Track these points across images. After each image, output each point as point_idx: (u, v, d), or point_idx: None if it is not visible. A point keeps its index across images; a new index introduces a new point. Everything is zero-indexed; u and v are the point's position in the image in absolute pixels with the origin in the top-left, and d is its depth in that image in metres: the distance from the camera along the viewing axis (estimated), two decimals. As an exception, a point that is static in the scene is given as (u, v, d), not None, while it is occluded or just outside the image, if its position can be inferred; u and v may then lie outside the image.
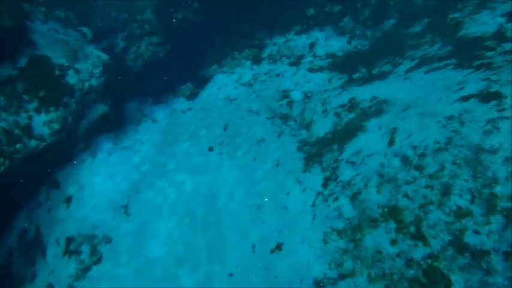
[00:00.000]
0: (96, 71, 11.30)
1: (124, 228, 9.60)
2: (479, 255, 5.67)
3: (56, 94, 10.46)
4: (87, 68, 11.18)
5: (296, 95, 11.08)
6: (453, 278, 5.77)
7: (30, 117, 9.95)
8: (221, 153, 10.31)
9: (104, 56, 11.62)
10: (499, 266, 5.46)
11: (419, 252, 6.26)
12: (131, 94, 13.14)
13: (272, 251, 7.95)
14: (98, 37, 13.01)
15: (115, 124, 11.93)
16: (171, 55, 13.53)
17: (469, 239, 5.84)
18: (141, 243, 9.22)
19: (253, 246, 8.20)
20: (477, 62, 8.36)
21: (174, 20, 13.16)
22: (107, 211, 9.97)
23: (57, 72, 10.68)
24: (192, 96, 13.19)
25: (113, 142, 11.52)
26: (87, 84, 11.03)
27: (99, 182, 10.54)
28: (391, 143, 7.70)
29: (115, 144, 11.46)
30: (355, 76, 11.03)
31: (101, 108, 11.29)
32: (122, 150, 11.32)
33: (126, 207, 9.99)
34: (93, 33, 12.91)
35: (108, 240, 9.54)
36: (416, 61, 10.10)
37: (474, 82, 7.62)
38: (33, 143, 9.75)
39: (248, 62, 13.21)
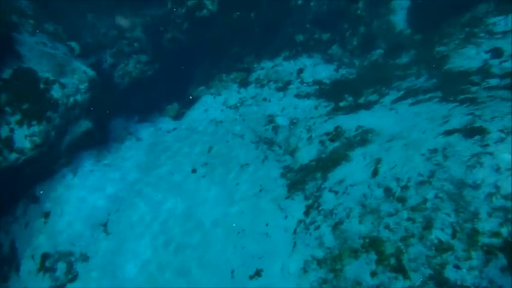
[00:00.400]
0: (82, 87, 11.18)
1: (102, 247, 9.38)
2: None
3: (40, 108, 10.29)
4: (73, 82, 11.05)
5: (282, 120, 11.08)
6: (433, 313, 5.63)
7: (11, 130, 9.76)
8: (204, 176, 10.20)
9: (91, 72, 11.51)
10: None
11: (399, 285, 6.18)
12: (117, 111, 13.01)
13: (251, 277, 7.82)
14: (86, 52, 12.90)
15: (99, 141, 11.77)
16: (159, 74, 13.49)
17: (450, 273, 5.80)
18: (118, 263, 9.00)
19: (232, 272, 8.06)
20: (462, 96, 8.45)
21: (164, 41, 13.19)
22: (86, 228, 9.74)
23: (42, 86, 10.53)
24: (178, 116, 13.11)
25: (96, 159, 11.34)
26: (72, 99, 10.89)
27: (79, 198, 10.32)
28: (374, 173, 7.69)
29: (97, 161, 11.28)
30: (342, 104, 11.08)
31: (85, 124, 11.14)
32: (104, 167, 11.13)
33: (105, 225, 9.78)
34: (82, 48, 12.81)
35: (85, 258, 9.29)
36: (402, 92, 10.19)
37: (458, 116, 7.68)
38: (13, 156, 9.55)
39: (235, 85, 13.21)
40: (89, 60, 12.63)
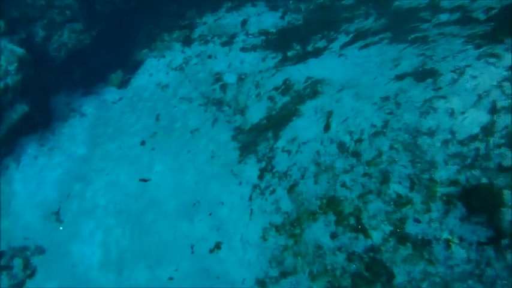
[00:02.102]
0: (12, 68, 10.20)
1: (57, 236, 8.90)
2: (420, 245, 5.48)
3: (-33, 99, 9.42)
4: (0, 65, 10.07)
5: (229, 78, 10.48)
6: (396, 270, 5.55)
7: None
8: (153, 147, 9.65)
9: (19, 50, 10.49)
10: (440, 255, 5.29)
11: (360, 245, 5.99)
12: (58, 87, 12.11)
13: (211, 251, 7.52)
14: (14, 28, 11.71)
15: (40, 123, 10.94)
16: (98, 42, 12.48)
17: (410, 228, 5.63)
18: (76, 251, 8.59)
19: (192, 247, 7.73)
20: (412, 36, 8.00)
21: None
22: (38, 219, 9.21)
23: (-36, 75, 9.59)
24: (122, 84, 12.29)
25: (39, 143, 10.60)
26: (1, 84, 9.95)
27: (26, 188, 9.73)
28: (327, 128, 7.31)
29: (41, 146, 10.54)
30: (290, 54, 10.51)
31: (21, 109, 10.26)
32: (50, 151, 10.44)
33: (57, 213, 9.24)
34: (7, 24, 11.61)
35: (41, 251, 8.84)
36: (351, 35, 9.66)
37: (409, 58, 7.28)
38: None
39: (179, 44, 12.39)
40: (17, 36, 11.49)
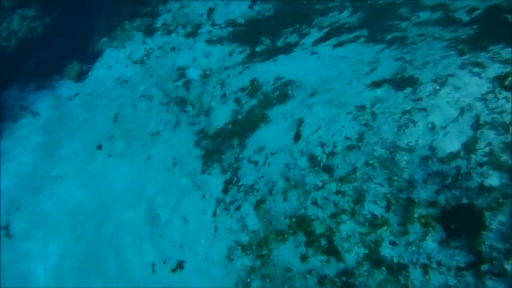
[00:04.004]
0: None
1: (6, 253, 8.18)
2: (397, 269, 5.12)
3: None
4: None
5: (193, 73, 9.77)
6: (369, 296, 5.14)
7: None
8: (110, 153, 8.92)
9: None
10: (417, 280, 4.95)
11: (332, 268, 5.57)
12: (8, 80, 11.19)
13: (173, 270, 6.96)
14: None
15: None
16: (52, 30, 11.54)
17: (386, 251, 5.26)
18: (27, 270, 7.91)
19: (153, 265, 7.15)
20: (390, 36, 7.45)
21: None
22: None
23: None
24: (80, 77, 11.43)
25: (-15, 150, 9.74)
26: None
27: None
28: (297, 137, 6.75)
29: (-13, 153, 9.69)
30: (258, 49, 9.83)
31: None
32: (-3, 158, 9.60)
33: (6, 228, 8.51)
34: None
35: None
36: (324, 30, 9.03)
37: (387, 62, 6.77)
38: None
39: (140, 34, 11.54)
40: (-38, 24, 10.49)
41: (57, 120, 10.22)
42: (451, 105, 5.54)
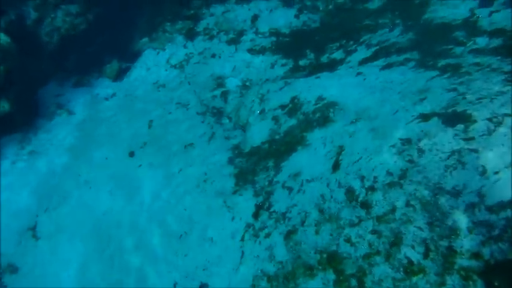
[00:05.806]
0: (-7, 60, 9.36)
1: (32, 255, 8.23)
2: None
3: None
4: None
5: (232, 83, 9.54)
6: None
7: None
8: (142, 161, 8.83)
9: (4, 38, 9.58)
10: None
11: (361, 312, 5.22)
12: (47, 77, 11.30)
13: (196, 293, 6.80)
14: (3, 7, 10.71)
15: (23, 121, 10.18)
16: (95, 27, 11.53)
17: None
18: (51, 272, 7.92)
19: (175, 285, 7.02)
20: (442, 62, 6.98)
21: None
22: (12, 234, 8.51)
23: None
24: (118, 76, 11.43)
25: (19, 145, 9.86)
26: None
27: (1, 198, 9.02)
28: (335, 166, 6.42)
29: (21, 149, 9.80)
30: (301, 63, 9.50)
31: (1, 107, 9.43)
32: (30, 155, 9.68)
33: (34, 229, 8.55)
34: (-4, 3, 10.66)
35: (14, 269, 8.18)
36: (372, 49, 8.62)
37: (438, 91, 6.32)
38: None
39: (181, 37, 11.41)
40: (6, 16, 10.51)
41: (92, 121, 10.24)
42: (505, 148, 5.07)
